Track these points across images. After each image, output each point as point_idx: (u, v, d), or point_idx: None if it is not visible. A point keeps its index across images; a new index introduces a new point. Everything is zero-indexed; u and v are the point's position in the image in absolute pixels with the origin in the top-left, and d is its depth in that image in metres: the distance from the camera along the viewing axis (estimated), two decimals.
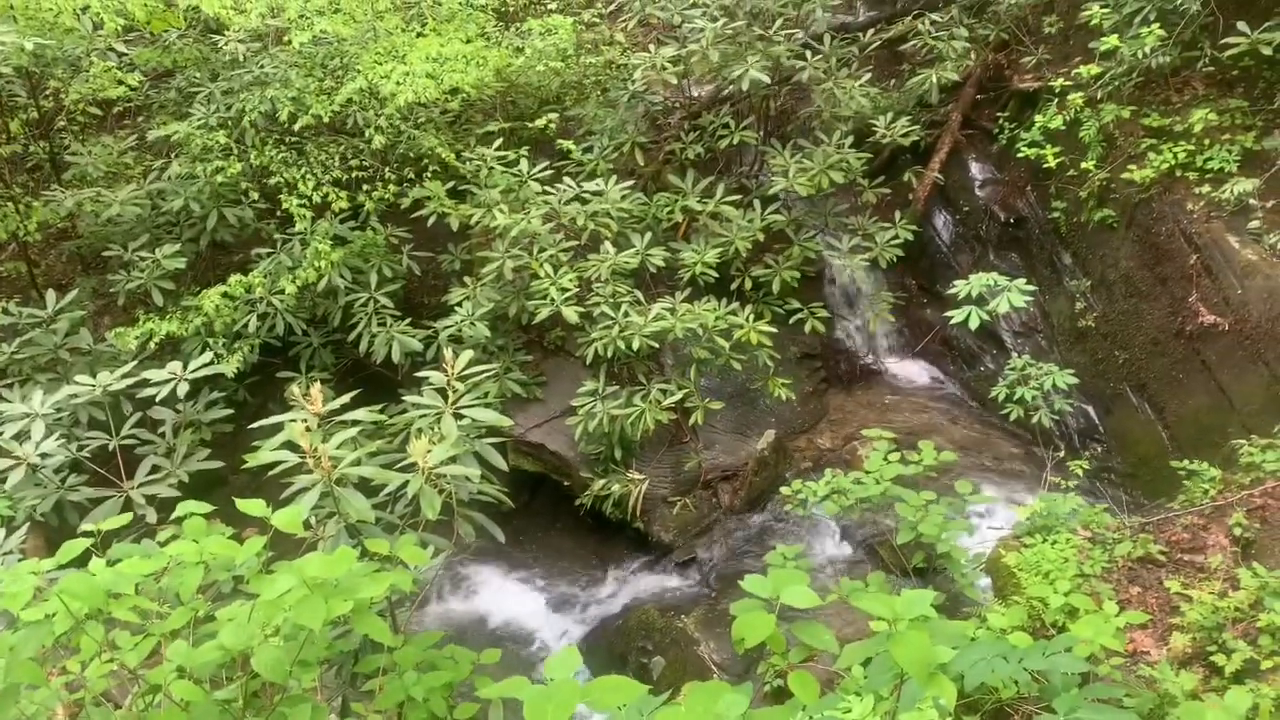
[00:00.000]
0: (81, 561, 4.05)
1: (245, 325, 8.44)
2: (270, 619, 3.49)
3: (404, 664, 4.45)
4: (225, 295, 8.45)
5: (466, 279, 8.89)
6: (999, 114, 9.95)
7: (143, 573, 3.88)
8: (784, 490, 6.68)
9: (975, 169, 10.08)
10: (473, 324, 8.39)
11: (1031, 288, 6.88)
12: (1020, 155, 9.11)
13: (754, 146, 9.74)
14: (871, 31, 9.96)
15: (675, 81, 9.25)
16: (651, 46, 9.18)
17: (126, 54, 9.55)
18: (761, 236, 8.83)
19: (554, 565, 8.75)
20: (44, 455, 5.76)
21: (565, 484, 8.66)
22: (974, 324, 6.76)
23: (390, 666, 4.44)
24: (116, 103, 10.13)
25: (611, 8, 9.94)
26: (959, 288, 6.93)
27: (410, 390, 7.64)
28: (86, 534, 4.20)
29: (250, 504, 3.71)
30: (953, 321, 6.89)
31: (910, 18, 9.81)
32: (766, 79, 8.84)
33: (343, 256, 8.66)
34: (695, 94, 10.19)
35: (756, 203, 9.05)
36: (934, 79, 9.21)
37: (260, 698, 3.84)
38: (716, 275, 8.71)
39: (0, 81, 8.44)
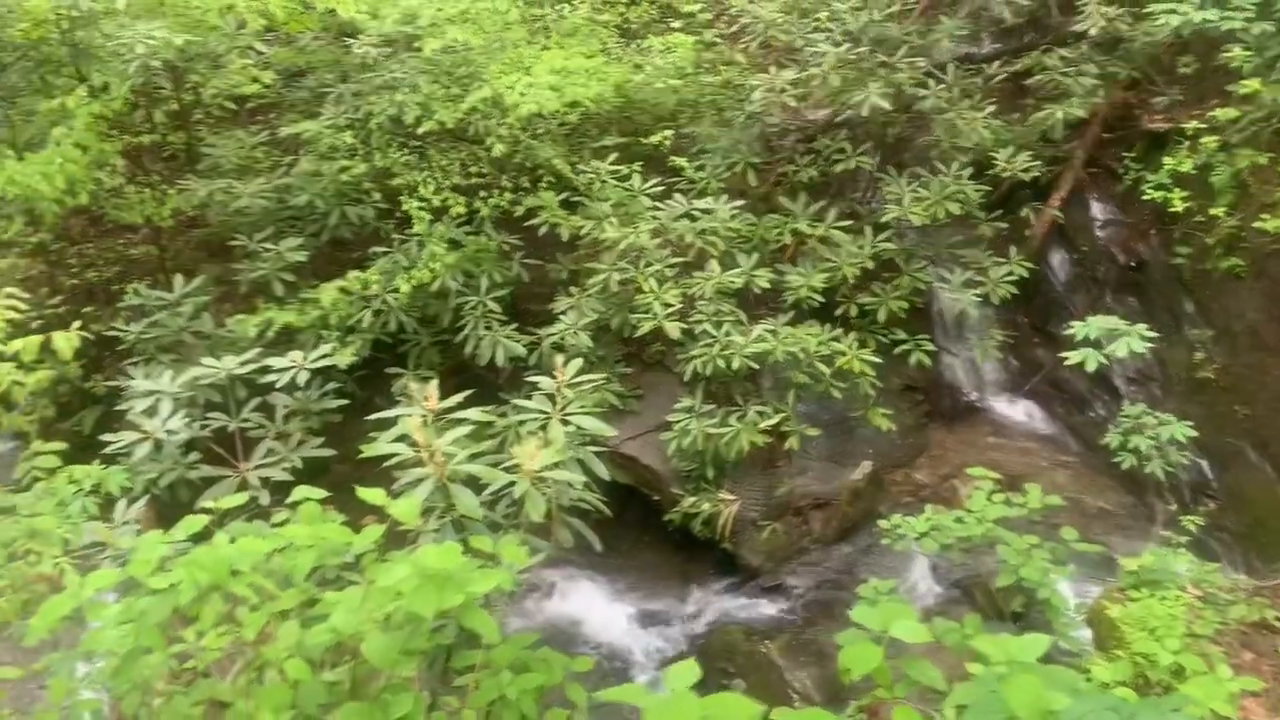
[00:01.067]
0: (201, 536, 4.23)
1: (360, 320, 8.68)
2: (381, 606, 3.58)
3: (499, 663, 4.52)
4: (343, 290, 8.73)
5: (573, 289, 9.01)
6: (1125, 154, 9.68)
7: (261, 552, 4.02)
8: (882, 523, 6.59)
9: (1097, 209, 9.82)
10: (576, 333, 8.50)
11: (1152, 334, 6.67)
12: (1146, 198, 8.85)
13: (868, 173, 9.67)
14: (997, 64, 9.80)
15: (793, 104, 9.24)
16: (772, 68, 9.19)
17: (264, 53, 9.95)
18: (871, 264, 8.76)
19: (640, 578, 8.77)
20: (169, 432, 6.03)
21: (655, 498, 8.68)
22: (1090, 367, 6.58)
23: (484, 664, 4.51)
24: (250, 99, 10.54)
25: (734, 28, 10.00)
26: (1075, 329, 6.75)
27: (511, 394, 7.80)
28: (205, 510, 4.38)
29: (370, 492, 3.82)
30: (1068, 363, 6.72)
31: (1038, 52, 9.62)
32: (887, 105, 8.77)
33: (456, 260, 8.86)
34: (811, 117, 10.16)
35: (868, 229, 8.97)
36: (1059, 115, 9.01)
37: (362, 684, 3.94)
38: (822, 300, 8.66)
39: (148, 74, 8.85)
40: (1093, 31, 9.04)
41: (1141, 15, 8.98)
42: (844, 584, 8.14)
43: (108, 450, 6.07)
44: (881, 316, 8.92)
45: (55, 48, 8.98)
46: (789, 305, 8.67)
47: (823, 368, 8.20)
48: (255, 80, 9.94)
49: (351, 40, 9.66)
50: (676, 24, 10.02)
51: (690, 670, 2.17)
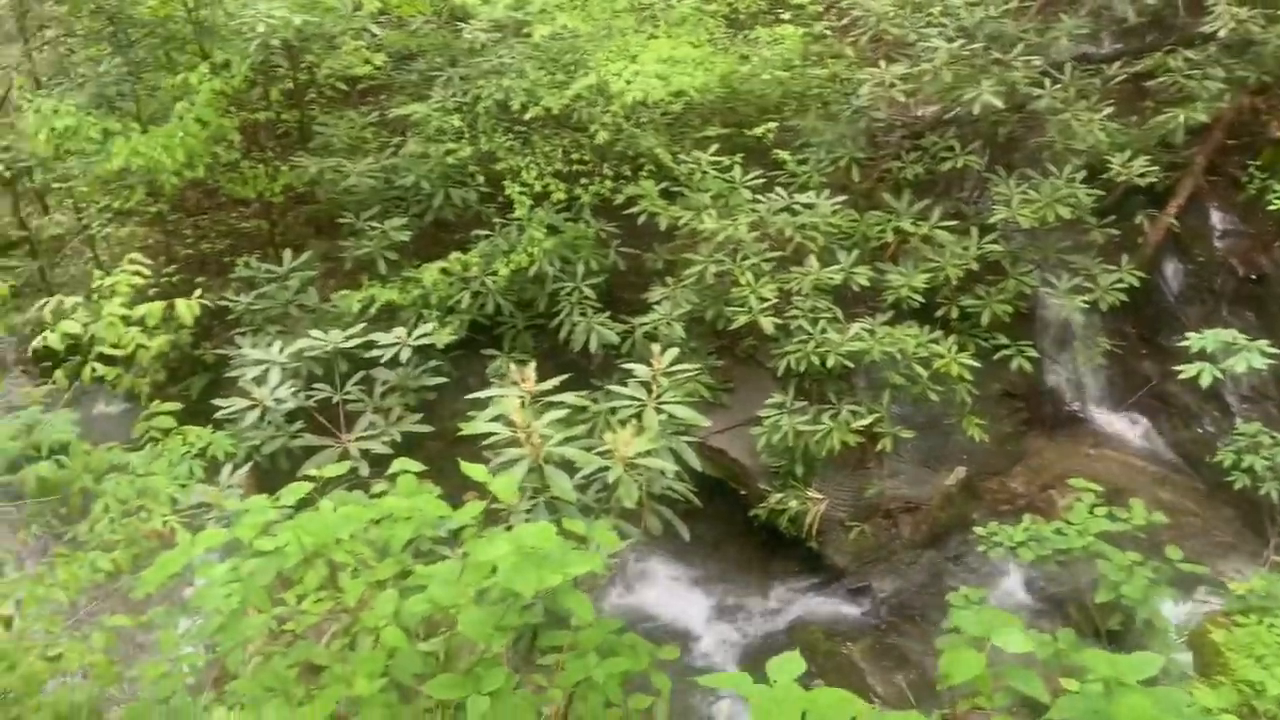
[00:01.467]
0: (305, 503, 4.35)
1: (459, 301, 8.82)
2: (478, 581, 3.63)
3: (585, 645, 4.55)
4: (444, 271, 8.88)
5: (668, 279, 8.99)
6: (1250, 162, 9.25)
7: (362, 521, 4.12)
8: (978, 529, 6.43)
9: (1216, 218, 9.40)
10: (669, 324, 8.49)
11: (1274, 350, 6.37)
12: (1271, 208, 8.45)
13: (976, 172, 9.43)
14: (1117, 64, 9.45)
15: (901, 100, 9.07)
16: (881, 63, 9.03)
17: (377, 35, 10.16)
18: (975, 265, 8.55)
19: (721, 571, 8.74)
20: (277, 401, 6.22)
21: (741, 492, 8.64)
22: (1205, 381, 6.33)
23: (571, 646, 4.55)
24: (362, 80, 10.79)
25: (844, 21, 9.85)
26: (1191, 341, 6.49)
27: (602, 380, 7.85)
28: (308, 478, 4.50)
29: (473, 468, 3.88)
30: (1181, 376, 6.47)
31: (1161, 53, 9.25)
32: (999, 104, 8.54)
33: (555, 246, 8.94)
34: (919, 114, 9.96)
35: (973, 230, 8.76)
36: (1181, 119, 8.65)
37: (454, 656, 4.01)
38: (922, 301, 8.49)
39: (267, 53, 9.12)
40: (1222, 33, 8.65)
41: (1275, 18, 8.56)
42: (931, 591, 7.99)
43: (219, 415, 6.30)
44: (984, 320, 8.70)
45: (181, 25, 9.32)
46: (888, 305, 8.53)
47: (920, 370, 8.05)
48: (367, 62, 10.18)
49: (462, 25, 9.81)
50: (786, 16, 9.90)
51: (795, 662, 2.15)
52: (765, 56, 9.58)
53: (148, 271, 4.92)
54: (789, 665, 2.14)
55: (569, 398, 4.92)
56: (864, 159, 9.52)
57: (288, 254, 9.03)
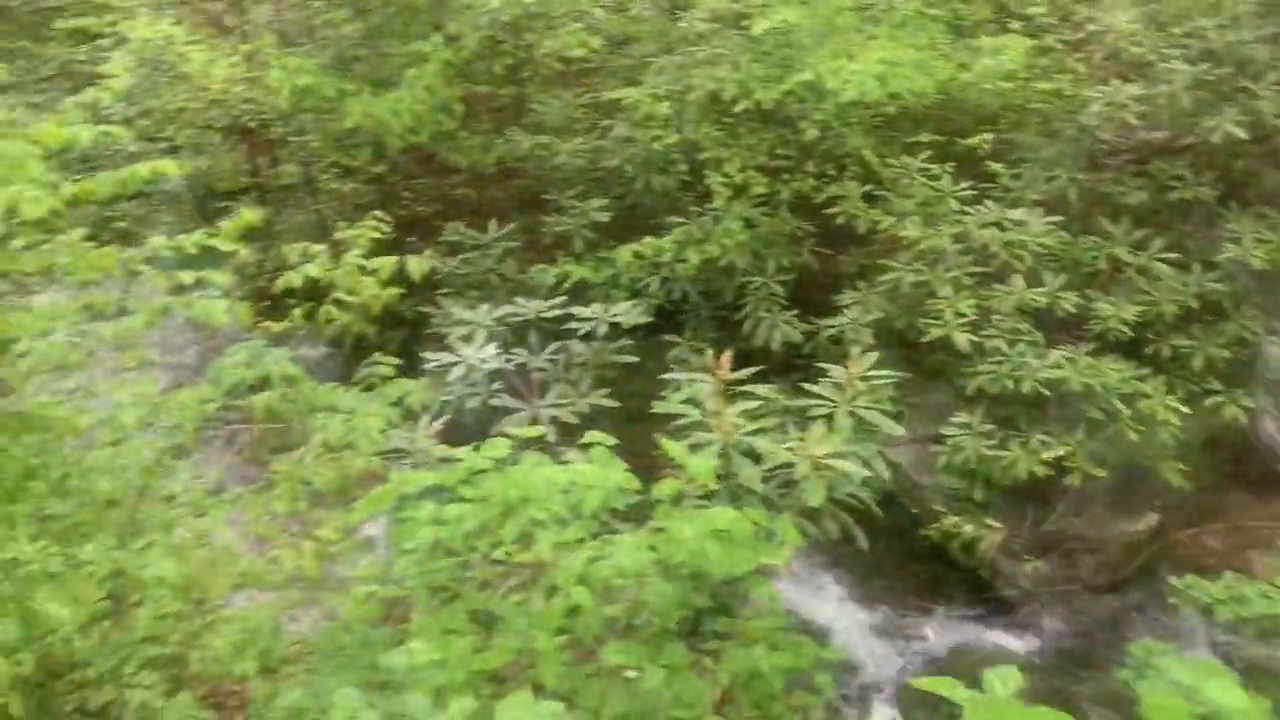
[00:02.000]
0: (501, 461, 4.54)
1: (647, 285, 8.98)
2: (667, 556, 3.71)
3: (752, 636, 4.58)
4: (636, 254, 9.05)
5: (860, 284, 8.87)
6: None
7: (559, 482, 4.27)
8: (1173, 581, 6.08)
9: None
10: (857, 329, 8.37)
11: None
12: None
13: (1206, 205, 8.85)
14: None
15: (1131, 122, 8.61)
16: (1114, 81, 8.60)
17: (596, 18, 10.42)
18: (1194, 303, 8.06)
19: (884, 586, 8.56)
20: (482, 360, 6.52)
21: (913, 509, 8.44)
22: None
23: (738, 634, 4.59)
24: (576, 62, 11.08)
25: (1078, 35, 9.42)
26: None
27: (779, 378, 7.84)
28: (504, 435, 4.70)
29: (671, 446, 3.96)
30: None
31: None
32: (1242, 134, 7.99)
33: (748, 239, 8.97)
34: (1147, 138, 9.43)
35: (1196, 266, 8.24)
36: None
37: (633, 625, 4.11)
38: (1131, 335, 8.06)
39: (496, 29, 9.51)
40: None
41: None
42: (1106, 637, 7.60)
43: (426, 368, 6.67)
44: (1197, 363, 8.19)
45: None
46: (1093, 335, 8.14)
47: (1121, 406, 7.65)
48: (584, 44, 10.44)
49: (681, 13, 9.94)
50: (1015, 25, 9.55)
51: (1012, 675, 2.11)
52: (987, 65, 9.27)
53: (386, 228, 5.24)
54: (1007, 677, 2.10)
55: (763, 390, 4.95)
56: (1083, 180, 9.10)
57: (493, 224, 9.41)
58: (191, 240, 4.34)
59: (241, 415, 5.79)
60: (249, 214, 4.82)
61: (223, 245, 4.49)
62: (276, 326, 5.15)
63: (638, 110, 9.47)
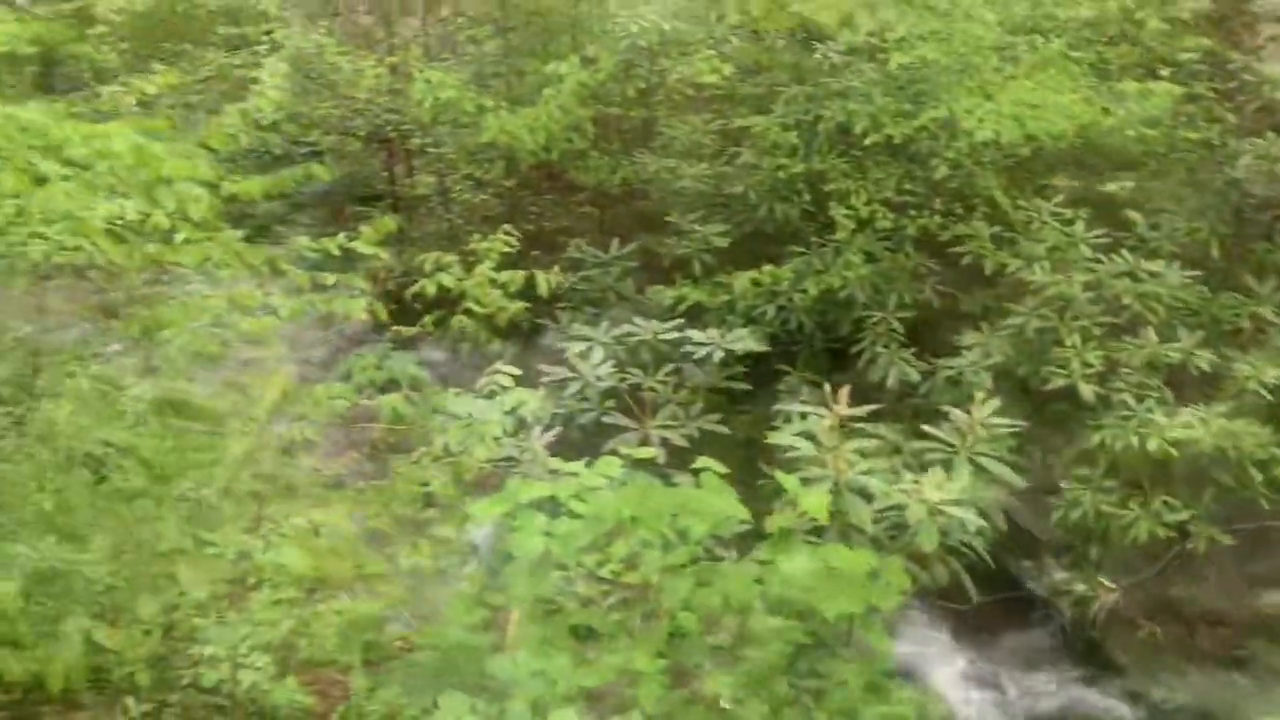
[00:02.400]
0: (613, 479, 4.58)
1: (763, 313, 8.97)
2: (776, 590, 3.69)
3: (852, 680, 4.50)
4: (754, 281, 9.07)
5: (983, 325, 8.68)
6: None
7: (668, 505, 4.30)
8: None
9: None
10: (977, 372, 8.19)
11: None
12: None
13: None
14: None
15: None
16: (1269, 134, 8.23)
17: (732, 44, 10.50)
18: None
19: (985, 637, 8.30)
20: (598, 378, 6.63)
21: (1026, 561, 8.18)
22: None
23: (840, 676, 4.52)
24: (707, 88, 11.17)
25: (1232, 84, 9.06)
26: None
27: (891, 417, 7.71)
28: (616, 454, 4.75)
29: (786, 479, 3.94)
30: None
31: None
32: None
33: (869, 273, 8.89)
34: None
35: None
36: None
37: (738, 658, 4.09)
38: (1270, 399, 7.66)
39: (632, 53, 9.68)
40: None
41: None
42: (1222, 714, 7.22)
43: (543, 381, 6.81)
44: None
45: (560, 18, 10.08)
46: (1228, 395, 7.77)
47: (1255, 473, 7.27)
48: (716, 71, 10.52)
49: (815, 44, 9.93)
50: (1163, 71, 9.25)
51: None
52: (1131, 111, 9.00)
53: (515, 242, 5.39)
54: None
55: (883, 429, 4.89)
56: (1227, 234, 8.74)
57: (615, 243, 9.55)
58: (335, 243, 4.54)
59: (367, 414, 6.01)
60: (388, 221, 5.03)
61: (363, 249, 4.68)
62: (408, 331, 5.33)
63: (765, 138, 9.50)
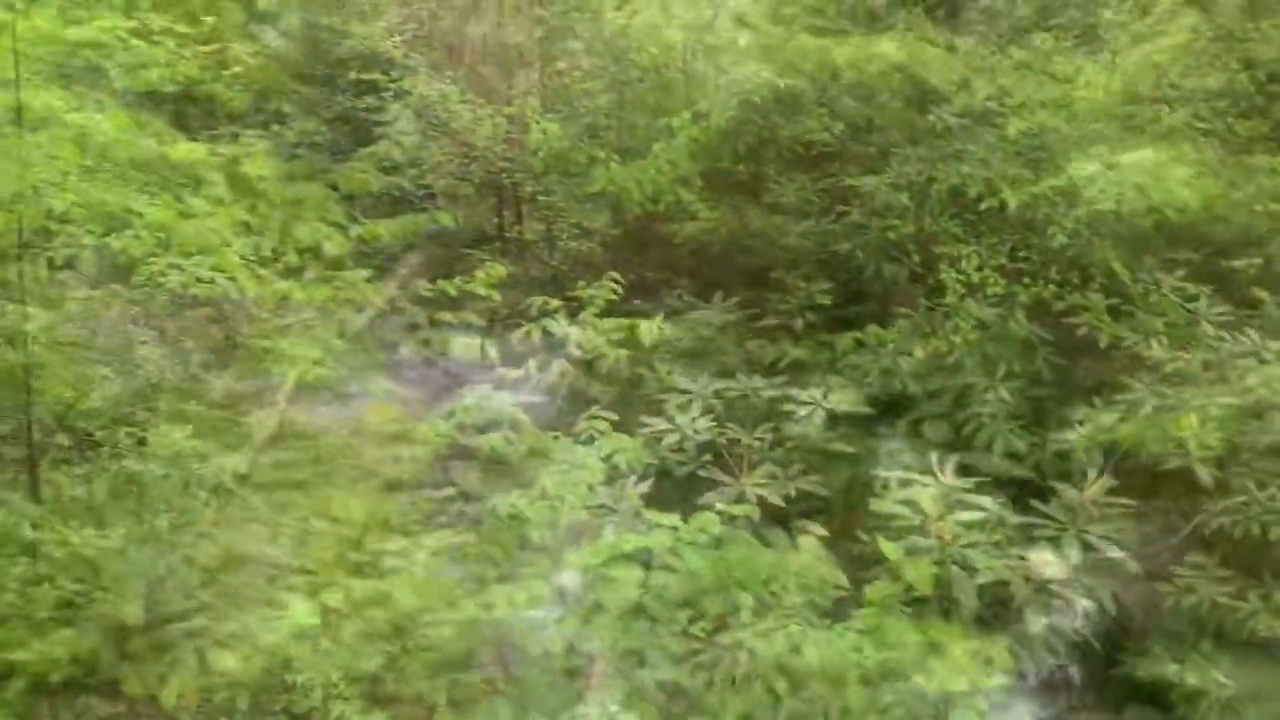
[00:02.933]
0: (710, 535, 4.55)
1: (866, 374, 8.83)
2: (873, 659, 3.60)
3: None
4: (857, 340, 8.98)
5: (1096, 400, 8.37)
6: None
7: (764, 566, 4.25)
8: None
9: None
10: (1089, 448, 7.87)
11: None
12: None
13: None
14: None
15: None
16: None
17: (844, 105, 10.49)
18: None
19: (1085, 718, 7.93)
20: (696, 430, 6.62)
21: (1133, 647, 7.78)
22: None
23: None
24: (817, 145, 11.16)
25: None
26: None
27: (999, 489, 7.46)
28: (713, 511, 4.72)
29: (890, 547, 3.87)
30: None
31: None
32: None
33: (978, 340, 8.69)
34: None
35: None
36: None
37: None
38: None
39: (743, 109, 9.76)
40: None
41: None
42: None
43: (642, 431, 6.81)
44: None
45: (673, 74, 10.24)
46: None
47: None
48: (827, 129, 10.53)
49: (931, 106, 9.84)
50: None
51: None
52: (1262, 185, 8.67)
53: (620, 290, 5.45)
54: None
55: (986, 502, 4.75)
56: None
57: (718, 296, 9.56)
58: (451, 285, 4.66)
59: (467, 452, 6.10)
60: (499, 268, 5.14)
61: (479, 290, 4.79)
62: (513, 374, 5.42)
63: (875, 198, 9.43)
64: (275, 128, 11.41)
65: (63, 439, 6.27)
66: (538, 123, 9.92)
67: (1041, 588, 4.45)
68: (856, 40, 9.32)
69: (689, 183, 10.14)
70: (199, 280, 3.66)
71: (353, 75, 12.14)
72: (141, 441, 6.11)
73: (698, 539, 4.12)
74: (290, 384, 4.80)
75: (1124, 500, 5.43)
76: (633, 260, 11.21)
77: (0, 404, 5.78)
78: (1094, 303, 8.54)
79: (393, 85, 11.08)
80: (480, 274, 4.85)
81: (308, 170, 8.80)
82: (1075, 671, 4.97)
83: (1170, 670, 7.37)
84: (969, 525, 4.73)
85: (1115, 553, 4.69)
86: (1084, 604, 4.69)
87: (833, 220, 10.09)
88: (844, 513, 6.57)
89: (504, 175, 10.80)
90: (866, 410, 8.49)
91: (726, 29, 10.51)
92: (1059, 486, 5.08)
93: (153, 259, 3.70)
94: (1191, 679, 7.29)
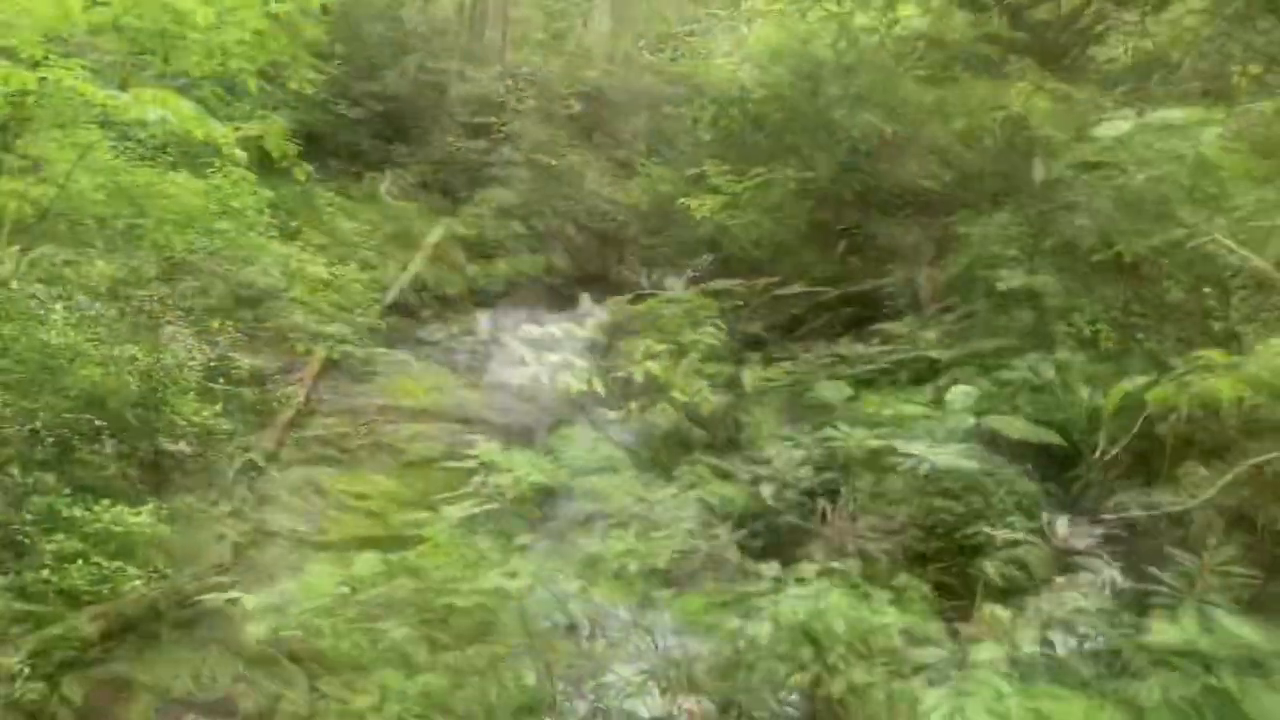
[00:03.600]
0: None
1: (975, 426, 8.61)
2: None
3: None
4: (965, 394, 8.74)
5: (1215, 461, 7.99)
6: None
7: (864, 621, 4.16)
8: None
9: None
10: (1207, 511, 7.54)
11: None
12: None
13: None
14: None
15: None
16: None
17: (953, 154, 10.37)
18: None
19: None
20: (797, 478, 6.54)
21: None
22: None
23: None
24: (925, 193, 11.04)
25: None
26: None
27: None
28: (812, 562, 4.65)
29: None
30: None
31: None
32: None
33: (1088, 394, 8.41)
34: None
35: None
36: None
37: None
38: None
39: (851, 158, 9.73)
40: None
41: None
42: None
43: (740, 477, 6.76)
44: None
45: (780, 120, 10.28)
46: None
47: None
48: (934, 177, 10.42)
49: (1045, 155, 9.64)
50: None
51: None
52: None
53: (723, 336, 5.47)
54: None
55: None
56: None
57: (822, 344, 9.51)
58: (561, 328, 4.75)
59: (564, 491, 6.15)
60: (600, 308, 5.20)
61: (587, 334, 4.87)
62: (612, 414, 5.47)
63: (984, 247, 9.26)
64: (393, 170, 11.86)
65: (94, 417, 6.60)
66: (644, 165, 10.07)
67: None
68: (976, 88, 9.23)
69: (794, 228, 10.14)
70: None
71: (465, 118, 12.53)
72: (172, 421, 6.38)
73: (796, 591, 4.07)
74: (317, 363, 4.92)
75: (1246, 570, 5.15)
76: (739, 307, 11.22)
77: (31, 385, 6.09)
78: (1214, 359, 8.18)
79: (504, 129, 11.40)
80: (588, 318, 4.94)
81: (424, 210, 9.17)
82: None
83: None
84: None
85: (1237, 627, 4.42)
86: (1203, 677, 4.43)
87: (942, 269, 9.93)
88: (950, 567, 6.42)
89: (608, 218, 10.98)
90: (971, 465, 8.26)
91: (836, 76, 10.48)
92: (1174, 552, 4.86)
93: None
94: None
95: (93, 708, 5.26)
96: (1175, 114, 8.17)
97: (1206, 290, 8.52)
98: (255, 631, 4.38)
